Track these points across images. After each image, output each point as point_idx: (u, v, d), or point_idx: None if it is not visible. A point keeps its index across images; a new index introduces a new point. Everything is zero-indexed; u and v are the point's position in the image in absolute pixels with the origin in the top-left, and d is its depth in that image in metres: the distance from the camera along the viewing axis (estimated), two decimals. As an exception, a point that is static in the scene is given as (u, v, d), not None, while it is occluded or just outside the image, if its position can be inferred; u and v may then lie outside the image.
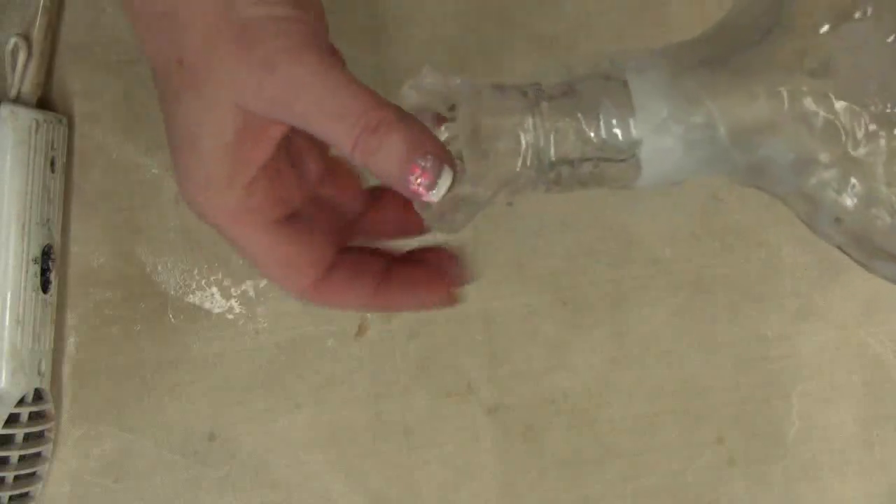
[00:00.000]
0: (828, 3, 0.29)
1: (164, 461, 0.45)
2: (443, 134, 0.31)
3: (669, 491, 0.45)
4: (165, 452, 0.45)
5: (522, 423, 0.45)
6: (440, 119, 0.31)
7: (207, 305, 0.46)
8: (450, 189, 0.29)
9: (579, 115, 0.29)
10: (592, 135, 0.29)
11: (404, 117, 0.29)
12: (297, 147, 0.33)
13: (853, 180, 0.29)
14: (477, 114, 0.29)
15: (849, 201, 0.29)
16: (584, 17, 0.46)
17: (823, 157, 0.29)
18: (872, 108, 0.28)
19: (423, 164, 0.28)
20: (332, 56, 0.30)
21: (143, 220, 0.46)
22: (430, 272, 0.33)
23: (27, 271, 0.43)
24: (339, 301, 0.33)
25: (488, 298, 0.45)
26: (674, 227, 0.45)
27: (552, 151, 0.29)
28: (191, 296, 0.46)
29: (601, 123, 0.29)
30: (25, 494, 0.43)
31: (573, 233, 0.45)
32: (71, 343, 0.45)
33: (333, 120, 0.29)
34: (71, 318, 0.45)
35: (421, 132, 0.29)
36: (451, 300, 0.33)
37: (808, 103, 0.28)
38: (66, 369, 0.45)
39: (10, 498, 0.43)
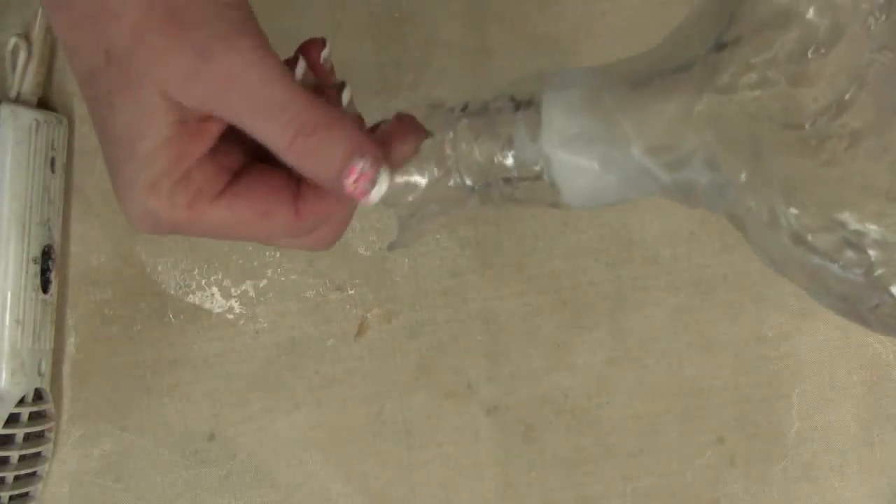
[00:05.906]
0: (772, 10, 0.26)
1: (164, 461, 0.45)
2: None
3: (669, 491, 0.45)
4: (165, 452, 0.45)
5: (522, 423, 0.45)
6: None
7: (207, 305, 0.46)
8: (388, 192, 0.28)
9: (487, 132, 0.29)
10: (504, 153, 0.29)
11: (341, 118, 0.28)
12: None
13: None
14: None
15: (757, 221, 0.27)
16: (584, 17, 0.46)
17: (736, 176, 0.27)
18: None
19: (361, 165, 0.28)
20: (267, 46, 0.28)
21: (143, 220, 0.45)
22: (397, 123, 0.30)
23: (27, 271, 0.43)
24: (331, 199, 0.29)
25: (488, 298, 0.45)
26: (674, 227, 0.45)
27: (470, 170, 0.29)
28: (191, 296, 0.46)
29: (514, 141, 0.29)
30: (25, 494, 0.43)
31: (573, 233, 0.45)
32: (71, 343, 0.45)
33: (267, 118, 0.27)
34: (71, 318, 0.45)
35: (360, 133, 0.28)
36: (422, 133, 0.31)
37: (717, 119, 0.27)
38: (66, 369, 0.45)
39: (10, 498, 0.43)
